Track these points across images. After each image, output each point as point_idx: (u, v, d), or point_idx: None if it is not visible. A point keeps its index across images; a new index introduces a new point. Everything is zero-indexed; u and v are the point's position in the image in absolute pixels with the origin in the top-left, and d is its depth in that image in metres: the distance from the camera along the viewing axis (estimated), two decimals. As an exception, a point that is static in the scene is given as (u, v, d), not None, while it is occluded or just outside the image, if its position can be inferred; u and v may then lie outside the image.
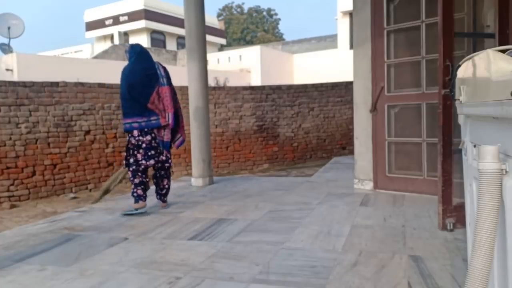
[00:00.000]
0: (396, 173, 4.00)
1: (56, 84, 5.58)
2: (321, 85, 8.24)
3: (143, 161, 3.66)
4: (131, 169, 3.69)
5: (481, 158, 0.98)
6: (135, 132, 3.65)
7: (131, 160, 3.69)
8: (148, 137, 3.67)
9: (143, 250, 2.62)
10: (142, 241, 2.83)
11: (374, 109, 4.03)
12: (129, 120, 3.65)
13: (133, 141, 3.67)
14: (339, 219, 3.16)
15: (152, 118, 3.66)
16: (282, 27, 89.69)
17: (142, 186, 3.70)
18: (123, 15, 25.79)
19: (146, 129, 3.65)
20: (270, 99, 7.67)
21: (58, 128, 5.54)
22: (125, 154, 3.81)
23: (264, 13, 43.78)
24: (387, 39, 3.92)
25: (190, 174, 5.51)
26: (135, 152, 3.67)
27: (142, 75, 3.67)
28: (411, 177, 3.87)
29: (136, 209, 3.65)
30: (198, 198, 4.26)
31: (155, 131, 3.71)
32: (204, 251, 2.56)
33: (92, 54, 22.26)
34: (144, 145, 3.66)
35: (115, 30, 25.33)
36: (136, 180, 3.67)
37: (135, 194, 3.69)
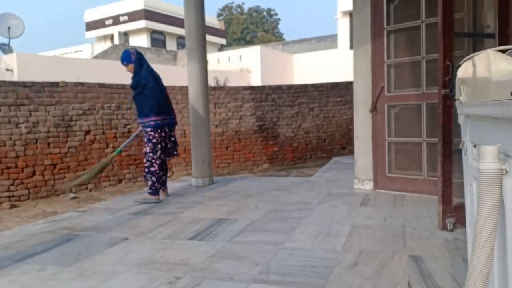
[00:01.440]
0: (396, 173, 4.00)
1: (56, 84, 5.57)
2: (321, 85, 8.24)
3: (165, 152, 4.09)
4: (158, 161, 4.01)
5: (481, 158, 0.98)
6: (166, 128, 4.05)
7: (159, 154, 3.99)
8: (172, 133, 4.15)
9: (143, 250, 2.62)
10: (142, 241, 2.84)
11: (374, 109, 4.03)
12: (162, 117, 4.00)
13: (164, 135, 4.03)
14: (339, 219, 3.16)
15: (173, 116, 4.16)
16: (282, 27, 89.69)
17: (161, 179, 4.10)
18: (123, 15, 25.81)
19: (170, 126, 4.11)
20: (270, 99, 7.67)
21: (58, 128, 5.53)
22: (150, 149, 4.00)
23: (264, 13, 43.80)
24: (387, 39, 3.92)
25: (190, 174, 5.51)
26: (164, 145, 4.04)
27: (160, 78, 4.14)
28: (411, 177, 3.87)
29: (152, 200, 4.04)
30: (198, 198, 4.26)
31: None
32: (204, 251, 2.56)
33: (92, 54, 22.26)
34: (172, 139, 4.12)
35: (115, 30, 25.34)
36: (161, 172, 4.07)
37: (154, 187, 4.04)
